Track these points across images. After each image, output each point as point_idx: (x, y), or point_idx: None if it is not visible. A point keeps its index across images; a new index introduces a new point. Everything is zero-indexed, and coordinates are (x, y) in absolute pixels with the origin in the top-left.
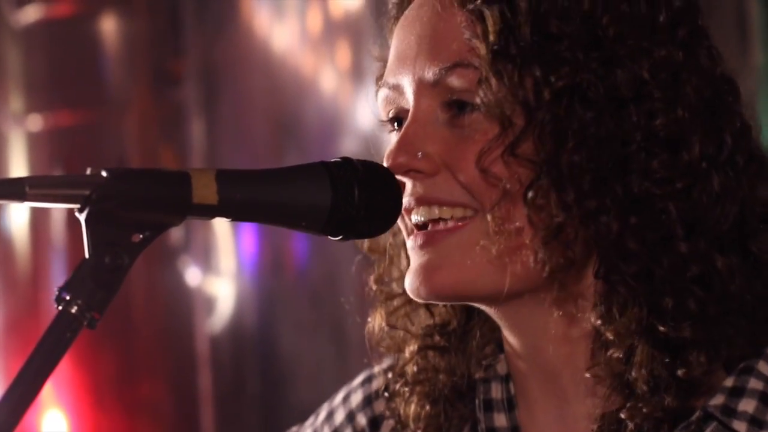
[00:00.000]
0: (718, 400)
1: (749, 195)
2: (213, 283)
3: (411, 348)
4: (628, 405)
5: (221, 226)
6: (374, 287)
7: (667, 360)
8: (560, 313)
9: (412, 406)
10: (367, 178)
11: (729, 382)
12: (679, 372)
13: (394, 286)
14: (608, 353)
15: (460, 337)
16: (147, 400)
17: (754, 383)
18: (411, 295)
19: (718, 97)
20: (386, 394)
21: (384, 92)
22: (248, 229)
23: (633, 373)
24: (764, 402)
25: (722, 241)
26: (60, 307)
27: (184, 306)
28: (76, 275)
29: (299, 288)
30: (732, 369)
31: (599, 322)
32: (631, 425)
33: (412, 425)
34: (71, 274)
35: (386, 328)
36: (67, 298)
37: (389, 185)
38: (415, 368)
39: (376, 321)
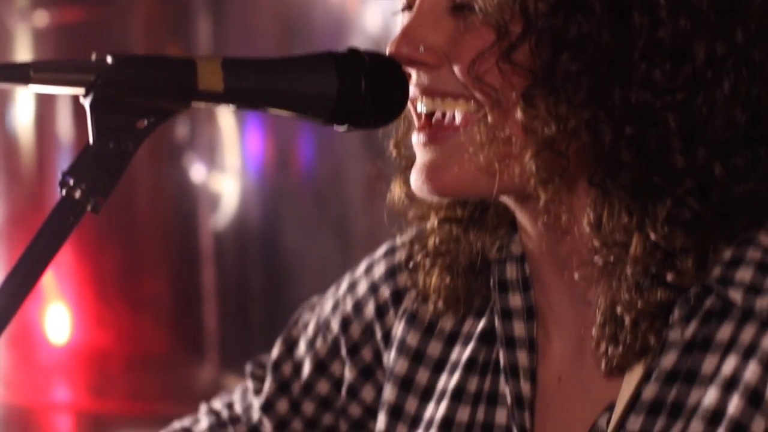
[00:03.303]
0: (716, 272)
1: (766, 92)
2: (218, 179)
3: (432, 220)
4: (623, 299)
5: (227, 122)
6: (394, 152)
7: (658, 262)
8: (553, 219)
9: (433, 278)
10: (374, 69)
11: (728, 254)
12: (669, 277)
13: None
14: (595, 259)
15: (480, 210)
16: (150, 295)
17: (752, 253)
18: (416, 193)
19: None
20: (409, 265)
21: None
22: (254, 126)
23: (627, 272)
24: (762, 270)
25: (726, 146)
26: (64, 192)
27: (188, 202)
28: (80, 160)
29: (304, 185)
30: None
31: (588, 229)
32: (627, 318)
33: (433, 296)
34: (75, 158)
35: (406, 201)
36: (71, 182)
37: (396, 76)
38: (436, 240)
39: (397, 190)
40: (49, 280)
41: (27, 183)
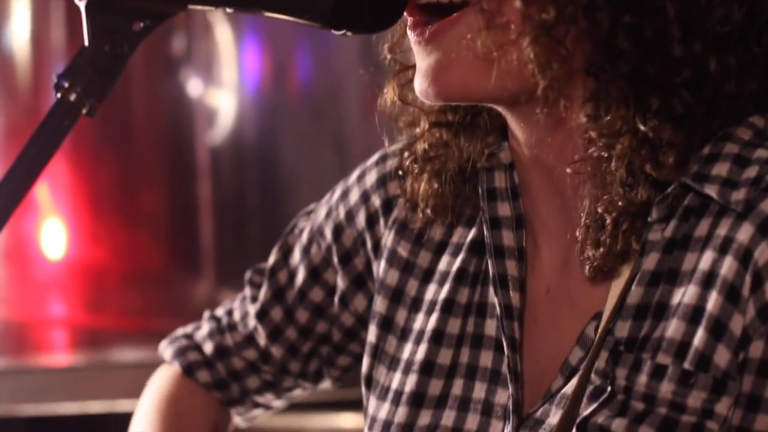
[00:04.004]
0: (692, 169)
1: None
2: (214, 94)
3: (423, 125)
4: (604, 199)
5: (223, 37)
6: (388, 56)
7: (643, 158)
8: (550, 112)
9: (422, 184)
10: None
11: (706, 150)
12: (648, 170)
13: (409, 55)
14: (590, 151)
15: (471, 115)
16: (146, 210)
17: (729, 147)
18: (420, 97)
19: None
20: (400, 172)
21: None
22: (251, 41)
23: (612, 169)
24: (738, 163)
25: (721, 42)
26: (59, 95)
27: (184, 117)
28: (75, 63)
29: (301, 100)
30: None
31: (585, 119)
32: (609, 219)
33: (421, 204)
34: (70, 61)
35: (399, 103)
36: (66, 85)
37: None
38: (426, 145)
39: (389, 94)
40: (44, 195)
41: (22, 96)
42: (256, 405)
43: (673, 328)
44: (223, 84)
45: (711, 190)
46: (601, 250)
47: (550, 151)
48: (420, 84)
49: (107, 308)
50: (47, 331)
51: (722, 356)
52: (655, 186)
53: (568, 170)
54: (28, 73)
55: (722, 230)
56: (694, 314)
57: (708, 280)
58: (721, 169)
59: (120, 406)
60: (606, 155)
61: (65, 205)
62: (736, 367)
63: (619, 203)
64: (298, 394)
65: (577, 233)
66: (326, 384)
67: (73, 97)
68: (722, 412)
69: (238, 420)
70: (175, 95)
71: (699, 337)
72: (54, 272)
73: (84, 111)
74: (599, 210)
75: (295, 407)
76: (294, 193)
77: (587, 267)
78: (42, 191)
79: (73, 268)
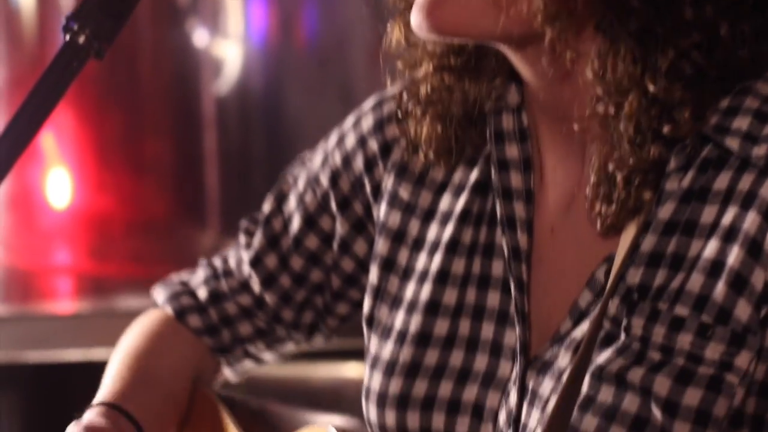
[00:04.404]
0: (712, 120)
1: None
2: (221, 44)
3: (426, 67)
4: (615, 156)
5: None
6: None
7: (654, 117)
8: (556, 63)
9: (424, 128)
10: None
11: (725, 103)
12: (665, 129)
13: None
14: (597, 107)
15: (476, 58)
16: (152, 160)
17: (750, 102)
18: (415, 31)
19: None
20: (399, 115)
21: None
22: None
23: (620, 128)
24: (759, 118)
25: (734, 7)
26: (67, 37)
27: (190, 68)
28: (84, 5)
29: (308, 51)
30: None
31: (592, 76)
32: (620, 176)
33: (423, 146)
34: (79, 3)
35: (404, 44)
36: (75, 27)
37: None
38: (429, 88)
39: (395, 34)
40: (50, 144)
41: (28, 46)
42: (247, 355)
43: (691, 280)
44: (229, 34)
45: (732, 144)
46: (614, 207)
47: (558, 100)
48: (415, 18)
49: (112, 256)
50: (52, 279)
51: (743, 310)
52: (668, 143)
53: (576, 127)
54: (34, 23)
55: (745, 185)
56: (713, 268)
57: (729, 235)
58: (741, 122)
59: None
60: (614, 113)
61: (71, 154)
62: (758, 322)
63: (630, 161)
64: (290, 348)
65: (587, 191)
66: (319, 338)
67: (81, 39)
68: (742, 365)
69: (227, 372)
70: (182, 45)
71: (718, 290)
72: (59, 221)
73: (93, 53)
74: (610, 168)
75: (299, 356)
76: (299, 143)
77: (598, 222)
78: (47, 140)
79: (79, 217)
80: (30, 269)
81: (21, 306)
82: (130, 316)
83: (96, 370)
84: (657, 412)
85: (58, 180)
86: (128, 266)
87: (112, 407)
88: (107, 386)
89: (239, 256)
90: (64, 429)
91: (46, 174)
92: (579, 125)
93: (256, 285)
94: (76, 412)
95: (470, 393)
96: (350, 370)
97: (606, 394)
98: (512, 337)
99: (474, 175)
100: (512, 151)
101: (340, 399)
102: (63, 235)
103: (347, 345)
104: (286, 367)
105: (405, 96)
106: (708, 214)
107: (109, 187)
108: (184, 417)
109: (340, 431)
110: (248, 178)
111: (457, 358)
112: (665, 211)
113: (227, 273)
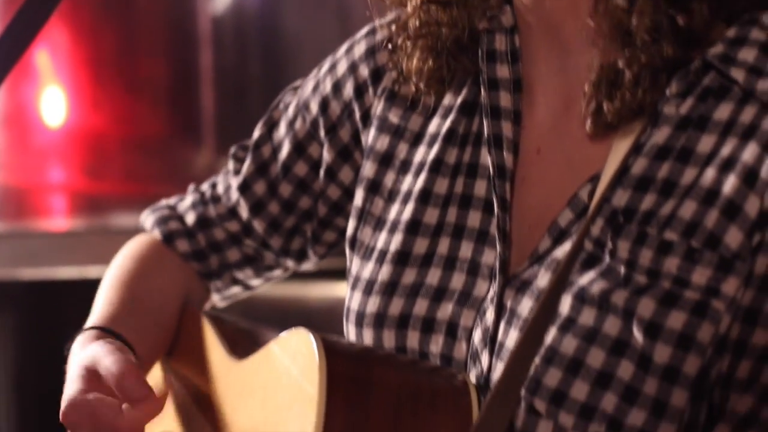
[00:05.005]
0: (717, 49)
1: None
2: None
3: (413, 2)
4: (626, 53)
5: None
6: None
7: (669, 8)
8: None
9: (414, 60)
10: None
11: (731, 32)
12: (680, 20)
13: None
14: (610, 2)
15: None
16: (147, 77)
17: (756, 33)
18: None
19: None
20: (389, 46)
21: None
22: None
23: (634, 21)
24: (765, 52)
25: None
26: None
27: None
28: None
29: None
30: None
31: None
32: (628, 74)
33: (414, 78)
34: None
35: None
36: None
37: None
38: (417, 22)
39: None
40: (44, 62)
41: None
42: (235, 281)
43: (683, 207)
44: None
45: (737, 75)
46: (617, 103)
47: (560, 8)
48: None
49: (107, 174)
50: (47, 197)
51: (733, 237)
52: (682, 45)
53: (591, 22)
54: None
55: (747, 117)
56: (707, 196)
57: (727, 165)
58: (747, 54)
59: None
60: (626, 8)
61: (65, 72)
62: (749, 250)
63: (642, 57)
64: (279, 275)
65: (585, 87)
66: (309, 263)
67: None
68: (729, 292)
69: (216, 298)
70: None
71: (710, 217)
72: (54, 139)
73: None
74: (619, 65)
75: (294, 276)
76: (295, 61)
77: (590, 121)
78: (42, 58)
79: (73, 135)
80: (24, 187)
81: (15, 223)
82: (124, 233)
83: (89, 287)
84: (638, 335)
85: (52, 98)
86: (122, 184)
87: (103, 331)
88: (98, 311)
89: (228, 182)
90: (58, 346)
91: (40, 92)
92: (595, 22)
93: (244, 211)
94: (70, 331)
95: (444, 311)
96: (344, 289)
97: (587, 317)
98: (491, 256)
99: (462, 95)
100: (503, 71)
101: (334, 318)
102: (57, 153)
103: (341, 264)
104: (280, 287)
105: (393, 27)
106: (705, 143)
107: (104, 105)
108: (174, 338)
109: (318, 336)
110: (244, 96)
111: (434, 276)
112: (660, 136)
113: (215, 199)
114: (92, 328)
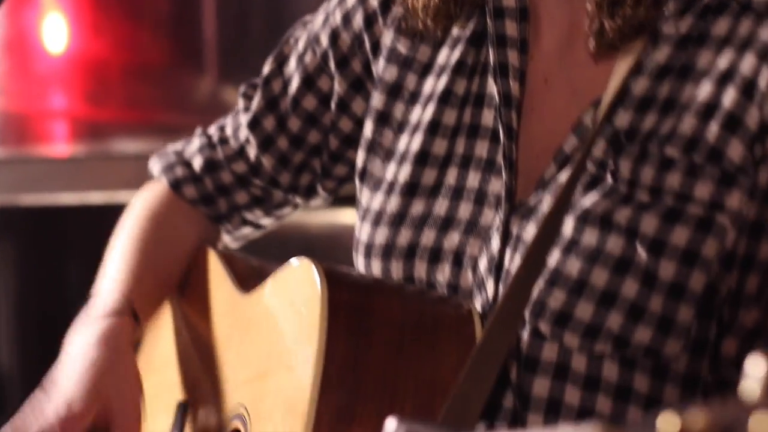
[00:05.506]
0: None
1: None
2: None
3: None
4: None
5: None
6: None
7: None
8: None
9: None
10: None
11: None
12: None
13: None
14: None
15: None
16: (149, 3)
17: None
18: None
19: None
20: None
21: None
22: None
23: None
24: None
25: None
26: None
27: None
28: None
29: None
30: None
31: None
32: None
33: (420, 15)
34: None
35: None
36: None
37: None
38: None
39: None
40: None
41: None
42: (245, 222)
43: (683, 123)
44: None
45: None
46: (618, 20)
47: None
48: None
49: (108, 101)
50: (48, 123)
51: (735, 150)
52: None
53: None
54: None
55: (743, 29)
56: (707, 110)
57: (725, 78)
58: None
59: (120, 197)
60: None
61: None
62: (751, 162)
63: None
64: (288, 212)
65: (587, 6)
66: (318, 200)
67: None
68: (733, 206)
69: (227, 239)
70: None
71: (711, 131)
72: (55, 65)
73: None
74: None
75: None
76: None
77: (594, 41)
78: None
79: (75, 61)
80: (26, 113)
81: (16, 149)
82: (125, 159)
83: (90, 213)
84: (642, 252)
85: (54, 24)
86: (124, 110)
87: (120, 301)
88: (113, 273)
89: (237, 122)
90: (58, 271)
91: (42, 18)
92: None
93: (252, 149)
94: (70, 256)
95: (451, 241)
96: (346, 216)
97: (590, 237)
98: (497, 184)
99: (470, 27)
100: (511, 28)
101: (336, 245)
102: (59, 79)
103: (343, 191)
104: None
105: None
106: (704, 58)
107: (106, 31)
108: (185, 276)
109: (320, 266)
110: (247, 22)
111: (441, 206)
112: (660, 55)
113: (223, 141)
114: (111, 298)
